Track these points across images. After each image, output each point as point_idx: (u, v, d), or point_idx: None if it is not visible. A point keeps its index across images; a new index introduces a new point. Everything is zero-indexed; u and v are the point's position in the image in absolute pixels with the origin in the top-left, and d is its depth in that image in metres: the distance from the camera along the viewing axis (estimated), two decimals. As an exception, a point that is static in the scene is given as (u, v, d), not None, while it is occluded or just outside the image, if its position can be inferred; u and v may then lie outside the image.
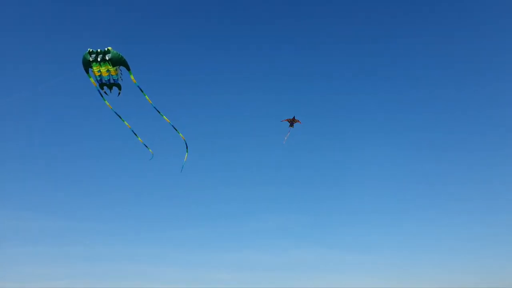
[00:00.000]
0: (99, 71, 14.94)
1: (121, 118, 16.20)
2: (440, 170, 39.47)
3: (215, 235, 35.78)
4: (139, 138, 16.92)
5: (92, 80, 15.21)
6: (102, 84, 15.45)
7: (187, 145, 17.03)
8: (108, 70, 14.91)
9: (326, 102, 44.18)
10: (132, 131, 16.59)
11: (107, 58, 14.68)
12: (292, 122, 23.76)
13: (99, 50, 14.77)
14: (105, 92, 15.69)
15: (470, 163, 40.98)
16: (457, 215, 37.50)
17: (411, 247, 35.75)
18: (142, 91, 15.43)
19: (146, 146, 17.22)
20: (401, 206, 37.84)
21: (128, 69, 15.12)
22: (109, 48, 14.76)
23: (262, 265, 33.63)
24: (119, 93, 15.63)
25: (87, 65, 14.88)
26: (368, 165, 40.99)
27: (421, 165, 40.43)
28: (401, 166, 40.71)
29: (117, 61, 14.80)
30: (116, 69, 14.97)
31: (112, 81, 15.34)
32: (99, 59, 14.68)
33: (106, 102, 15.67)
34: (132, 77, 15.24)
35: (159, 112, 16.02)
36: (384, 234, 36.23)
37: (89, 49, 14.83)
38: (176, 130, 16.53)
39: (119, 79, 15.29)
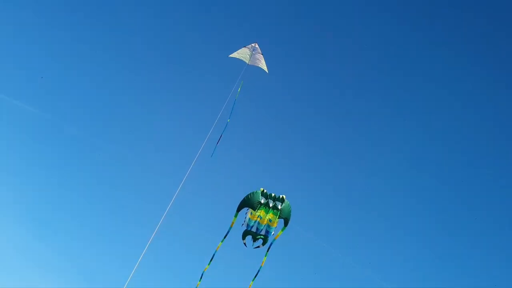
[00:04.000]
0: (260, 216, 12.30)
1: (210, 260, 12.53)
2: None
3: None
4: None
5: (234, 220, 12.31)
6: (249, 232, 12.58)
7: None
8: (270, 220, 12.34)
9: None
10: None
11: (279, 207, 12.27)
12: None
13: (273, 194, 12.33)
14: (244, 243, 12.64)
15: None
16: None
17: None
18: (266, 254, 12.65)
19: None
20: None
21: (286, 225, 12.55)
22: (284, 196, 12.39)
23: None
24: (259, 246, 12.66)
25: (251, 205, 12.25)
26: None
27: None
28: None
29: (285, 214, 12.39)
30: (278, 222, 12.43)
31: (263, 232, 12.59)
32: (270, 205, 12.22)
33: (221, 243, 12.39)
34: (280, 233, 12.55)
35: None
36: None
37: (262, 188, 12.34)
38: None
39: (272, 233, 12.58)
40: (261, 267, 12.67)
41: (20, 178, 30.14)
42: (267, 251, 12.71)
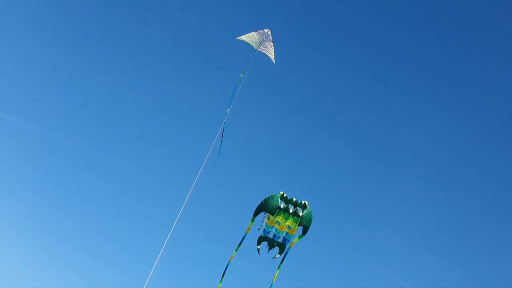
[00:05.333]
0: (278, 222, 11.24)
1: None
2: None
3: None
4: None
5: (251, 225, 11.26)
6: (265, 238, 11.58)
7: None
8: (288, 227, 11.31)
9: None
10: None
11: (300, 213, 11.25)
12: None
13: (295, 199, 11.28)
14: (258, 249, 11.62)
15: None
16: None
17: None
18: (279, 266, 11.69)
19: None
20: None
21: (305, 233, 11.49)
22: (306, 202, 11.35)
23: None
24: (275, 256, 11.63)
25: (270, 209, 11.13)
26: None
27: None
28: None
29: (306, 221, 11.35)
30: (297, 230, 11.45)
31: (281, 240, 11.56)
32: (291, 211, 11.15)
33: (234, 253, 11.37)
34: (296, 240, 11.55)
35: None
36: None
37: (282, 192, 11.29)
38: None
39: (289, 241, 11.58)
40: (272, 283, 11.52)
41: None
42: (281, 262, 11.58)
